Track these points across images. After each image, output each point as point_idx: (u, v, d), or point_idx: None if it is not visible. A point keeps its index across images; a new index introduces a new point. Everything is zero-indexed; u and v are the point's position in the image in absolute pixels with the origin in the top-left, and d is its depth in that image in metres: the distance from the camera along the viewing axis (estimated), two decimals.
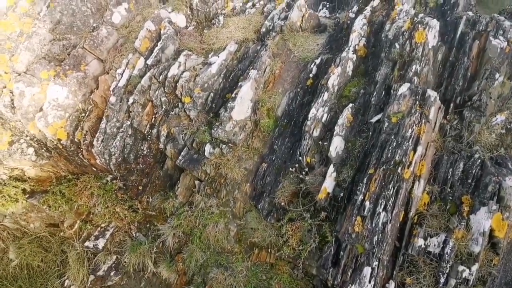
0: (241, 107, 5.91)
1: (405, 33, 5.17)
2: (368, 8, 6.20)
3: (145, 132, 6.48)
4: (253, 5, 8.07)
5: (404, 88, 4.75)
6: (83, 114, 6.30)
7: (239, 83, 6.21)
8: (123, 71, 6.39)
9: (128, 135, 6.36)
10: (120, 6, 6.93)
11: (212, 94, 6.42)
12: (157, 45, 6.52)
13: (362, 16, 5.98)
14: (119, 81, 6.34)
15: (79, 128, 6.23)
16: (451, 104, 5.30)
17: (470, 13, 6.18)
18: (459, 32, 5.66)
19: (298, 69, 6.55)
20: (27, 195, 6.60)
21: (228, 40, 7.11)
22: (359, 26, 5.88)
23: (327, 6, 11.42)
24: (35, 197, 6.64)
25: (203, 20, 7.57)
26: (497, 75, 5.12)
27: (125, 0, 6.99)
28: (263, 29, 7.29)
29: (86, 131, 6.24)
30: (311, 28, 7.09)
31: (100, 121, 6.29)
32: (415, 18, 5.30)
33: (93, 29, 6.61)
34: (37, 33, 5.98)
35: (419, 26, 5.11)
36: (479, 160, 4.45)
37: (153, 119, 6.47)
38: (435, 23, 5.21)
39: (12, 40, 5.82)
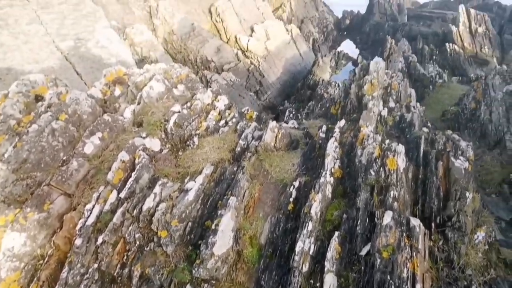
0: (222, 240, 5.50)
1: (377, 160, 5.40)
2: (337, 130, 6.58)
3: (115, 274, 5.69)
4: (226, 123, 8.36)
5: (388, 218, 4.72)
6: (41, 262, 5.49)
7: (219, 211, 5.92)
8: (93, 207, 5.89)
9: (94, 281, 5.53)
10: (94, 136, 6.80)
11: (190, 224, 6.01)
12: (131, 176, 6.25)
13: (333, 139, 6.29)
14: (87, 218, 5.78)
15: (35, 279, 5.35)
16: (432, 224, 5.32)
17: (425, 129, 6.77)
18: (421, 151, 6.05)
19: (277, 190, 6.48)
20: None
21: (204, 162, 7.05)
22: (332, 149, 6.12)
23: (293, 112, 12.28)
24: None
25: (178, 142, 7.58)
26: (467, 194, 5.32)
27: (99, 129, 6.90)
28: (238, 149, 7.40)
29: (43, 282, 5.36)
30: (284, 146, 7.33)
31: (61, 267, 5.48)
32: (383, 145, 5.63)
33: (63, 162, 6.28)
34: None
35: (389, 153, 5.39)
36: None
37: (125, 258, 5.78)
38: (401, 148, 5.55)
39: None
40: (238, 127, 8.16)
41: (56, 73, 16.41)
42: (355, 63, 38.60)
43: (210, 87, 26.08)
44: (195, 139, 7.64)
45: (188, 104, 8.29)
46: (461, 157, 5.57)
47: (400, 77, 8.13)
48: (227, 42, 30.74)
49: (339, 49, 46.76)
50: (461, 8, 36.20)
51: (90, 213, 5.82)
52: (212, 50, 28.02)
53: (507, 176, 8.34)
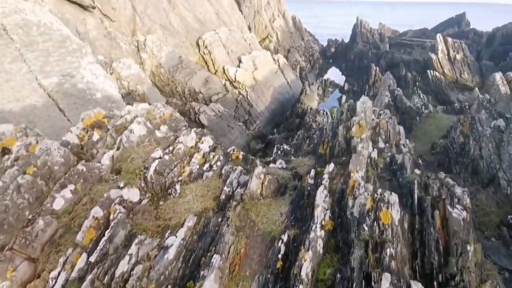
0: None
1: (370, 214, 5.01)
2: (326, 176, 6.21)
3: None
4: (210, 166, 7.94)
5: (386, 283, 4.25)
6: None
7: (201, 272, 5.35)
8: (58, 274, 5.25)
9: None
10: (65, 189, 6.26)
11: (170, 287, 5.40)
12: (104, 235, 5.67)
13: (322, 187, 5.91)
14: None
15: None
16: (435, 282, 4.86)
17: (417, 171, 6.46)
18: (416, 198, 5.69)
19: (264, 244, 5.97)
20: None
21: (186, 213, 6.55)
22: (322, 199, 5.72)
23: (281, 149, 11.94)
24: None
25: (159, 191, 7.08)
26: (468, 247, 4.93)
27: (71, 181, 6.38)
28: (223, 196, 6.95)
29: None
30: (271, 193, 6.90)
31: None
32: (375, 195, 5.27)
33: (28, 222, 5.69)
34: None
35: (382, 205, 5.01)
36: None
37: None
38: (394, 198, 5.18)
39: None
40: (223, 171, 7.74)
41: (38, 110, 15.97)
42: (341, 90, 39.33)
43: (198, 119, 25.88)
44: (177, 186, 7.16)
45: (171, 148, 7.87)
46: (458, 206, 5.23)
47: (388, 114, 7.94)
48: (215, 73, 30.99)
49: (325, 76, 47.84)
50: (439, 37, 37.76)
51: (55, 282, 5.16)
52: (200, 82, 28.11)
53: (504, 217, 8.02)
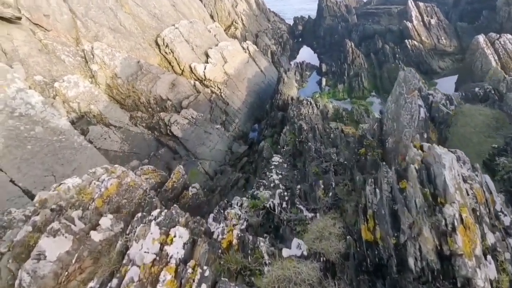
0: None
1: None
2: None
3: None
4: None
5: None
6: None
7: None
8: None
9: None
10: None
11: None
12: None
13: None
14: None
15: None
16: None
17: None
18: None
19: None
20: None
21: None
22: None
23: (282, 195, 8.46)
24: None
25: None
26: None
27: None
28: None
29: None
30: None
31: None
32: None
33: None
34: None
35: None
36: None
37: None
38: None
39: None
40: None
41: None
42: (319, 72, 35.86)
43: (170, 131, 21.78)
44: None
45: (115, 280, 4.25)
46: None
47: (468, 164, 4.52)
48: (182, 74, 26.55)
49: (298, 57, 44.09)
50: (410, 2, 34.64)
51: None
52: (166, 87, 23.75)
53: None
